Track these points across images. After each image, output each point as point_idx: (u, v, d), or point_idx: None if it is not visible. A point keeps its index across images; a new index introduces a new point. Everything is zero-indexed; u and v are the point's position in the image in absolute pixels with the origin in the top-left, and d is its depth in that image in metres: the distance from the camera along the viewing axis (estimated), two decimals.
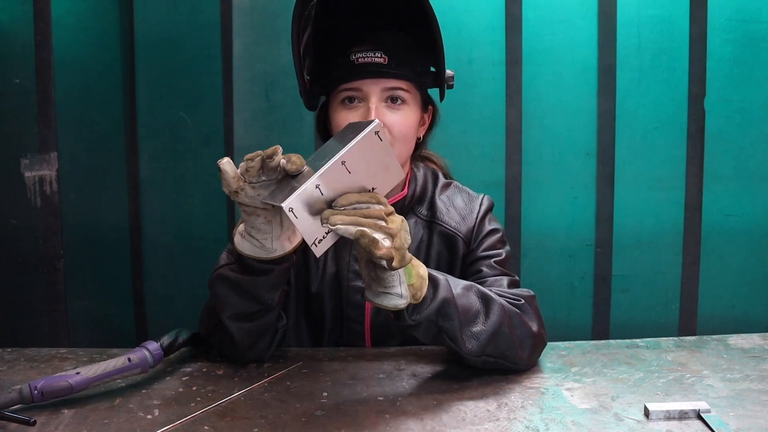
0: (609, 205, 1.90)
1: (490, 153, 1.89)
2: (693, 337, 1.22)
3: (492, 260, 1.20)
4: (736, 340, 1.19)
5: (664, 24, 1.85)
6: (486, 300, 1.03)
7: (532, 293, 1.12)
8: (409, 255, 0.90)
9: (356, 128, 0.93)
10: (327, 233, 0.87)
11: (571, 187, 1.90)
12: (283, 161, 0.89)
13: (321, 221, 0.85)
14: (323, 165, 0.85)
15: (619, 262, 1.92)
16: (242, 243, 0.98)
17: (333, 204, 0.86)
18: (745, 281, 1.93)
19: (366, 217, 0.87)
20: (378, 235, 0.86)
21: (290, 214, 0.83)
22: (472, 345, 1.00)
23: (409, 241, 0.90)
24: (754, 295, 1.94)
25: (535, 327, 1.08)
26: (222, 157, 0.93)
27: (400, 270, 0.91)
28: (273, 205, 0.92)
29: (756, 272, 1.93)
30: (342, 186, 0.87)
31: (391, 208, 0.90)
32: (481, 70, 1.86)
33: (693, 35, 1.84)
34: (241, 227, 0.99)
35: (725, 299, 1.94)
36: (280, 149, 0.89)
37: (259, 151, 0.90)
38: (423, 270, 0.97)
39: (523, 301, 1.08)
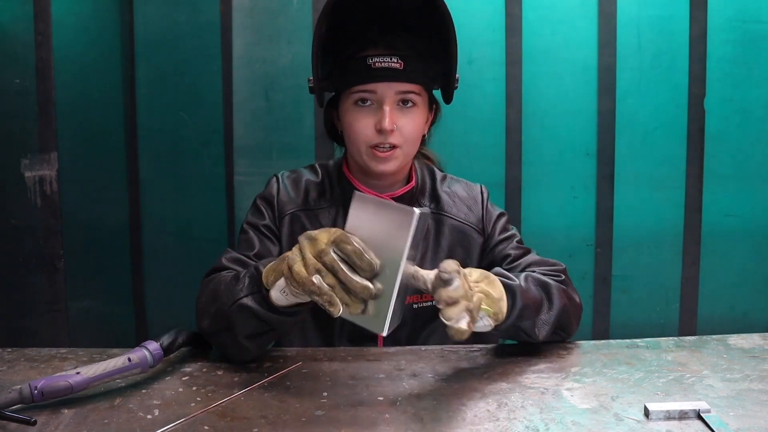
0: (609, 205, 1.91)
1: (490, 153, 1.89)
2: (693, 337, 1.22)
3: (514, 240, 1.27)
4: (736, 340, 1.19)
5: (664, 24, 1.85)
6: (545, 287, 1.10)
7: (563, 265, 1.20)
8: (477, 298, 0.91)
9: (383, 211, 0.87)
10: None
11: (571, 187, 1.90)
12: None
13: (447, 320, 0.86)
14: (396, 274, 0.85)
15: (619, 262, 1.92)
16: (280, 298, 0.95)
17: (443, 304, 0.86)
18: (745, 281, 1.93)
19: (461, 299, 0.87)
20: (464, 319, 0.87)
21: (387, 333, 0.86)
22: (544, 331, 1.07)
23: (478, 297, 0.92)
24: (754, 295, 1.94)
25: (577, 299, 1.16)
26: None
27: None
28: None
29: (756, 272, 1.93)
30: (408, 280, 0.89)
31: (462, 272, 0.89)
32: (481, 70, 1.86)
33: (693, 35, 1.85)
34: (281, 284, 0.93)
35: (725, 299, 1.94)
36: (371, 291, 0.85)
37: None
38: (497, 290, 0.99)
39: (563, 276, 1.16)
